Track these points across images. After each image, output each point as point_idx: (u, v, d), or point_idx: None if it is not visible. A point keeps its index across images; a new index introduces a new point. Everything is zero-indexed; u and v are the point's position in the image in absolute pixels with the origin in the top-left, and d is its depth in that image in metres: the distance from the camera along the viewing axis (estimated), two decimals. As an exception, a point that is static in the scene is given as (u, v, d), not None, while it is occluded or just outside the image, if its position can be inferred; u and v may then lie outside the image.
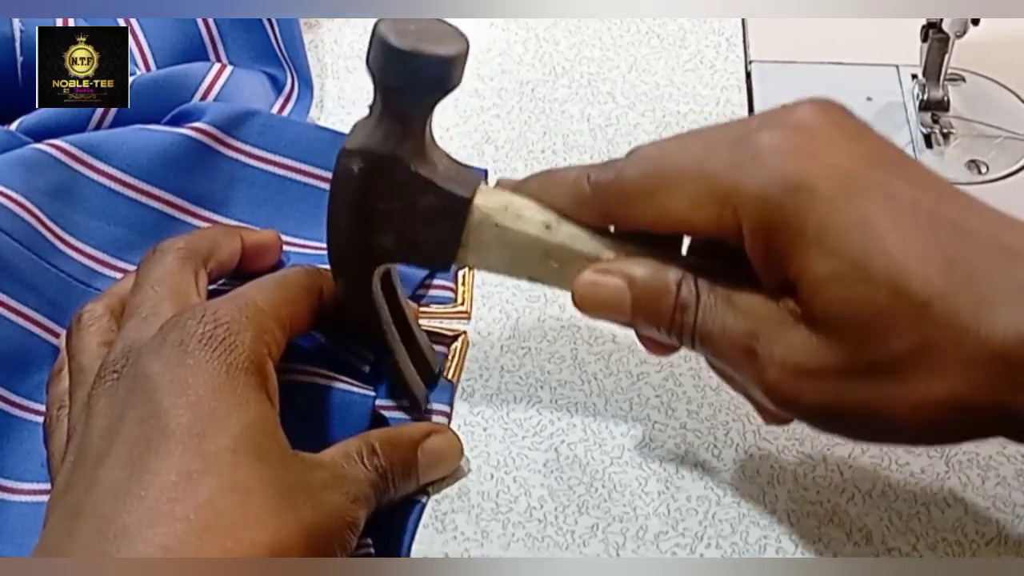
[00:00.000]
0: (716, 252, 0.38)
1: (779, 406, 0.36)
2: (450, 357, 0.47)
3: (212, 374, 0.36)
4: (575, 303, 0.39)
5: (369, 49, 0.38)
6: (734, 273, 0.37)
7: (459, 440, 0.44)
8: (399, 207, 0.39)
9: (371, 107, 0.39)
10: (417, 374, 0.45)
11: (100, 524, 0.33)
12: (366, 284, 0.42)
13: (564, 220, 0.40)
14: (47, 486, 0.43)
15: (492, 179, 0.41)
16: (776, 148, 0.35)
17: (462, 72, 0.38)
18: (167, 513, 0.33)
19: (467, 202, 0.39)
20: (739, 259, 0.37)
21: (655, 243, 0.39)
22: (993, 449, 0.44)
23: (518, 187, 0.41)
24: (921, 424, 0.34)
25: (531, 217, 0.40)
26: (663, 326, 0.38)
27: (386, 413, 0.45)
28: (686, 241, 0.40)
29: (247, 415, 0.36)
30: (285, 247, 0.49)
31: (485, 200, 0.40)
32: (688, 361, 0.47)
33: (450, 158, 0.41)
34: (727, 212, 0.35)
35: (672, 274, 0.38)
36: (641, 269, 0.38)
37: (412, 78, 0.37)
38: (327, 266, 0.42)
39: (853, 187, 0.34)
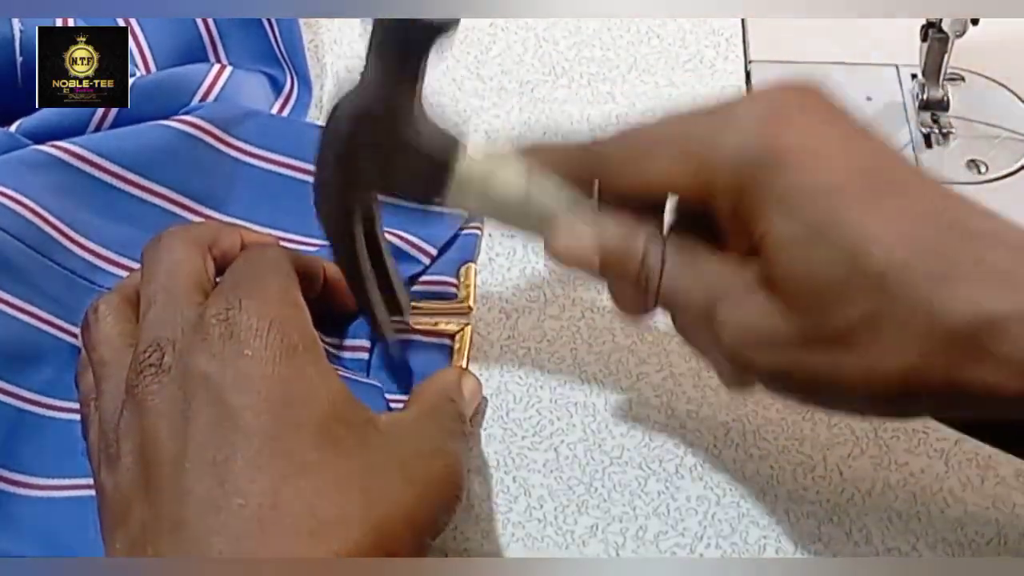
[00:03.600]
0: (695, 218, 0.39)
1: (738, 369, 0.37)
2: (457, 348, 0.47)
3: (273, 362, 0.36)
4: (548, 253, 0.40)
5: None
6: (709, 239, 0.38)
7: (478, 379, 0.45)
8: (385, 162, 0.40)
9: (363, 67, 0.40)
10: (389, 319, 0.45)
11: (207, 536, 0.33)
12: (348, 221, 0.42)
13: (548, 176, 0.40)
14: (66, 481, 0.43)
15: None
16: (754, 117, 0.36)
17: (457, 21, 0.39)
18: (273, 522, 0.33)
19: (451, 158, 0.40)
20: (715, 228, 0.37)
21: (636, 209, 0.40)
22: (993, 449, 0.44)
23: (505, 151, 0.41)
24: (872, 394, 0.35)
25: (515, 167, 0.40)
26: (629, 283, 0.39)
27: (394, 406, 0.45)
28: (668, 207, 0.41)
29: (320, 400, 0.36)
30: (286, 245, 0.49)
31: (472, 151, 0.40)
32: (688, 361, 0.47)
33: (438, 117, 0.41)
34: (703, 174, 0.36)
35: (641, 234, 0.39)
36: (612, 226, 0.39)
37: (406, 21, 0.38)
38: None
39: (825, 155, 0.35)
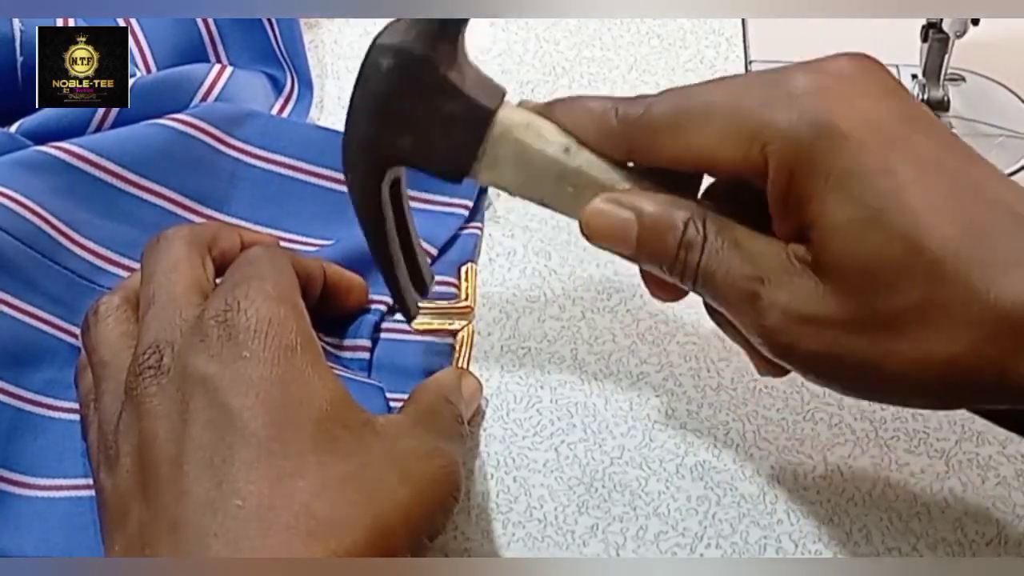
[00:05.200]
0: (733, 199, 0.38)
1: (776, 353, 0.36)
2: (458, 348, 0.47)
3: (272, 363, 0.36)
4: (582, 230, 0.39)
5: None
6: (747, 219, 0.37)
7: (479, 380, 0.45)
8: (422, 109, 0.39)
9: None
10: (412, 286, 0.44)
11: (205, 537, 0.33)
12: (375, 186, 0.41)
13: (584, 147, 0.39)
14: (66, 481, 0.43)
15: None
16: (810, 90, 0.35)
17: None
18: (272, 522, 0.33)
19: (490, 113, 0.39)
20: (754, 206, 0.36)
21: (673, 182, 0.38)
22: (993, 449, 0.44)
23: (543, 109, 0.40)
24: (919, 382, 0.34)
25: (551, 138, 0.39)
26: (666, 264, 0.38)
27: (394, 406, 0.45)
28: (703, 188, 0.40)
29: (318, 401, 0.36)
30: (287, 245, 0.49)
31: (508, 115, 0.39)
32: (688, 361, 0.47)
33: (478, 70, 0.40)
34: (755, 149, 0.35)
35: (681, 211, 0.37)
36: (651, 203, 0.38)
37: None
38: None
39: (882, 137, 0.34)
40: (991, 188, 0.34)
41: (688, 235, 0.37)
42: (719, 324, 0.40)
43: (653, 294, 0.41)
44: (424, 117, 0.39)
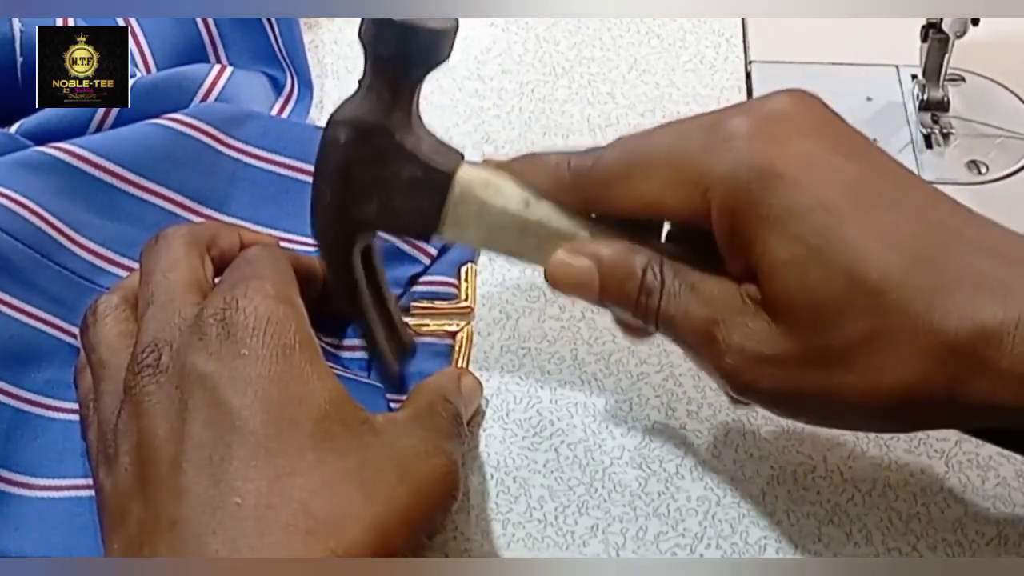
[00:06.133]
0: (693, 241, 0.38)
1: (737, 392, 0.37)
2: (457, 348, 0.47)
3: (270, 361, 0.36)
4: (547, 280, 0.40)
5: (362, 22, 0.39)
6: (706, 261, 0.38)
7: (478, 379, 0.45)
8: (382, 177, 0.40)
9: (360, 82, 0.40)
10: (391, 351, 0.45)
11: (204, 536, 0.33)
12: (347, 256, 0.42)
13: (543, 200, 0.40)
14: (66, 481, 0.43)
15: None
16: (745, 133, 0.36)
17: (451, 47, 0.39)
18: (270, 520, 0.33)
19: (449, 175, 0.40)
20: (713, 248, 0.37)
21: (634, 229, 0.39)
22: (993, 449, 0.44)
23: (501, 166, 0.41)
24: (874, 411, 0.35)
25: (510, 194, 0.40)
26: (628, 308, 0.39)
27: (394, 406, 0.45)
28: (666, 230, 0.41)
29: (317, 400, 0.36)
30: (286, 245, 0.49)
31: (467, 174, 0.40)
32: (688, 361, 0.47)
33: (433, 135, 0.41)
34: (697, 195, 0.36)
35: (640, 258, 0.38)
36: (609, 251, 0.39)
37: (403, 49, 0.38)
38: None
39: (817, 173, 0.35)
40: (933, 214, 0.35)
41: (647, 280, 0.38)
42: (691, 360, 0.40)
43: (625, 333, 0.42)
44: (385, 184, 0.40)
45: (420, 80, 0.40)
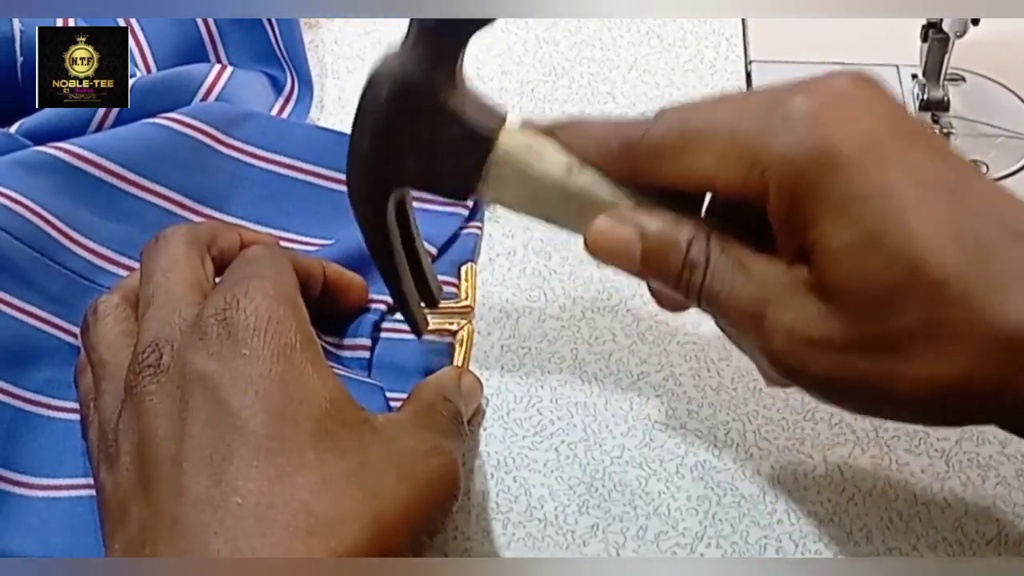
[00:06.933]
0: (736, 216, 0.38)
1: (783, 374, 0.36)
2: (457, 347, 0.47)
3: (271, 361, 0.36)
4: (586, 248, 0.39)
5: None
6: (750, 239, 0.37)
7: (478, 378, 0.45)
8: (424, 136, 0.39)
9: (406, 34, 0.39)
10: (421, 302, 0.45)
11: (204, 535, 0.33)
12: (381, 208, 0.41)
13: (586, 167, 0.39)
14: (66, 481, 0.43)
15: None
16: (808, 113, 0.35)
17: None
18: (271, 520, 0.33)
19: (492, 137, 0.39)
20: (757, 225, 0.36)
21: (676, 201, 0.38)
22: (993, 449, 0.44)
23: (545, 129, 0.40)
24: (924, 402, 0.34)
25: (553, 159, 0.39)
26: (670, 282, 0.38)
27: (394, 405, 0.45)
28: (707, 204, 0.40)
29: (317, 399, 0.36)
30: (287, 245, 0.49)
31: (510, 136, 0.39)
32: (688, 361, 0.47)
33: (478, 93, 0.40)
34: (755, 173, 0.35)
35: (685, 231, 0.38)
36: (655, 222, 0.38)
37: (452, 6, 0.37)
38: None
39: (880, 158, 0.34)
40: (991, 204, 0.34)
41: (692, 254, 0.37)
42: (729, 337, 0.40)
43: (660, 305, 0.41)
44: (426, 143, 0.39)
45: (468, 38, 0.38)
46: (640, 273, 0.39)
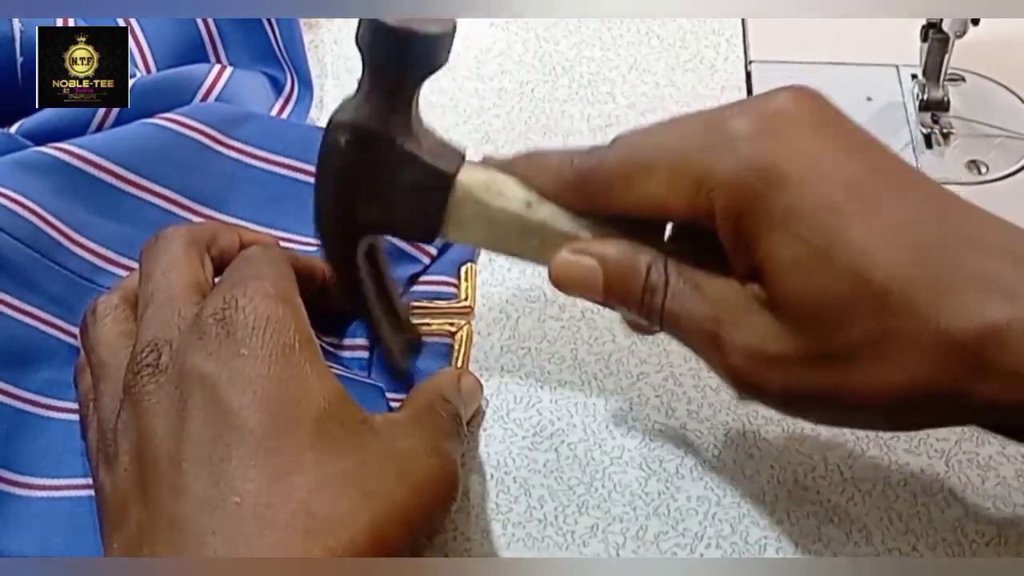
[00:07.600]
0: (697, 239, 0.38)
1: (742, 391, 0.37)
2: (457, 348, 0.47)
3: (270, 361, 0.36)
4: (551, 280, 0.40)
5: (359, 27, 0.38)
6: (710, 260, 0.38)
7: (478, 379, 0.45)
8: (384, 180, 0.40)
9: (359, 83, 0.39)
10: (400, 345, 0.45)
11: (203, 535, 0.33)
12: (351, 256, 0.42)
13: (545, 200, 0.40)
14: (66, 481, 0.43)
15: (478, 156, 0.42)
16: (749, 133, 0.35)
17: (449, 51, 0.39)
18: (269, 520, 0.33)
19: (450, 177, 0.40)
20: (716, 246, 0.37)
21: (636, 228, 0.39)
22: (993, 449, 0.44)
23: (503, 166, 0.41)
24: (879, 410, 0.35)
25: (512, 195, 0.40)
26: (633, 307, 0.39)
27: (394, 405, 0.45)
28: (668, 230, 0.40)
29: (316, 400, 0.36)
30: (286, 245, 0.49)
31: (468, 176, 0.40)
32: (688, 361, 0.47)
33: (435, 135, 0.41)
34: (701, 196, 0.36)
35: (644, 256, 0.38)
36: (614, 250, 0.39)
37: (401, 55, 0.38)
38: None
39: (821, 173, 0.35)
40: (937, 209, 0.35)
41: (651, 279, 0.38)
42: (699, 356, 0.40)
43: (633, 330, 0.42)
44: (387, 187, 0.40)
45: (418, 84, 0.40)
46: (605, 301, 0.39)
